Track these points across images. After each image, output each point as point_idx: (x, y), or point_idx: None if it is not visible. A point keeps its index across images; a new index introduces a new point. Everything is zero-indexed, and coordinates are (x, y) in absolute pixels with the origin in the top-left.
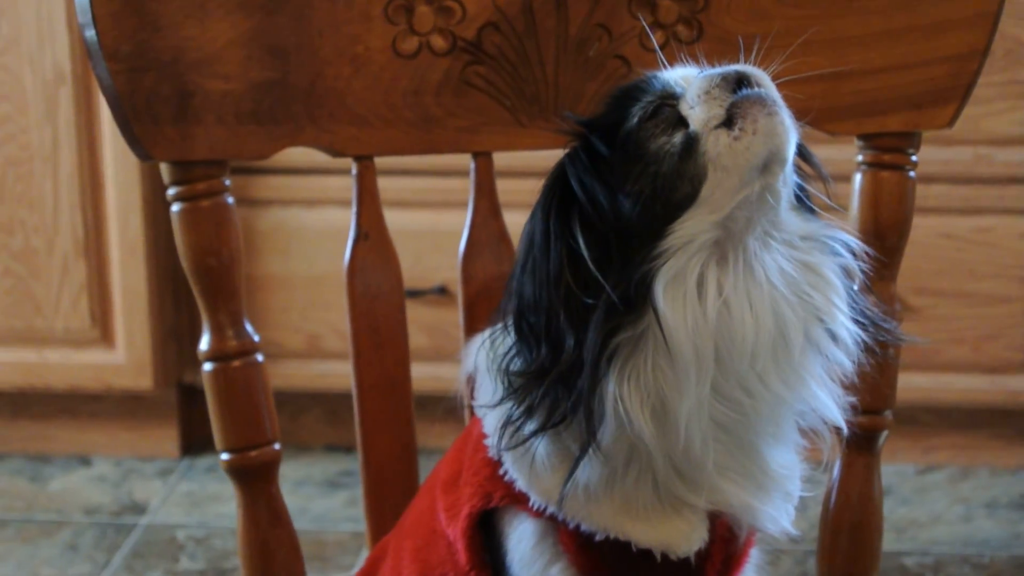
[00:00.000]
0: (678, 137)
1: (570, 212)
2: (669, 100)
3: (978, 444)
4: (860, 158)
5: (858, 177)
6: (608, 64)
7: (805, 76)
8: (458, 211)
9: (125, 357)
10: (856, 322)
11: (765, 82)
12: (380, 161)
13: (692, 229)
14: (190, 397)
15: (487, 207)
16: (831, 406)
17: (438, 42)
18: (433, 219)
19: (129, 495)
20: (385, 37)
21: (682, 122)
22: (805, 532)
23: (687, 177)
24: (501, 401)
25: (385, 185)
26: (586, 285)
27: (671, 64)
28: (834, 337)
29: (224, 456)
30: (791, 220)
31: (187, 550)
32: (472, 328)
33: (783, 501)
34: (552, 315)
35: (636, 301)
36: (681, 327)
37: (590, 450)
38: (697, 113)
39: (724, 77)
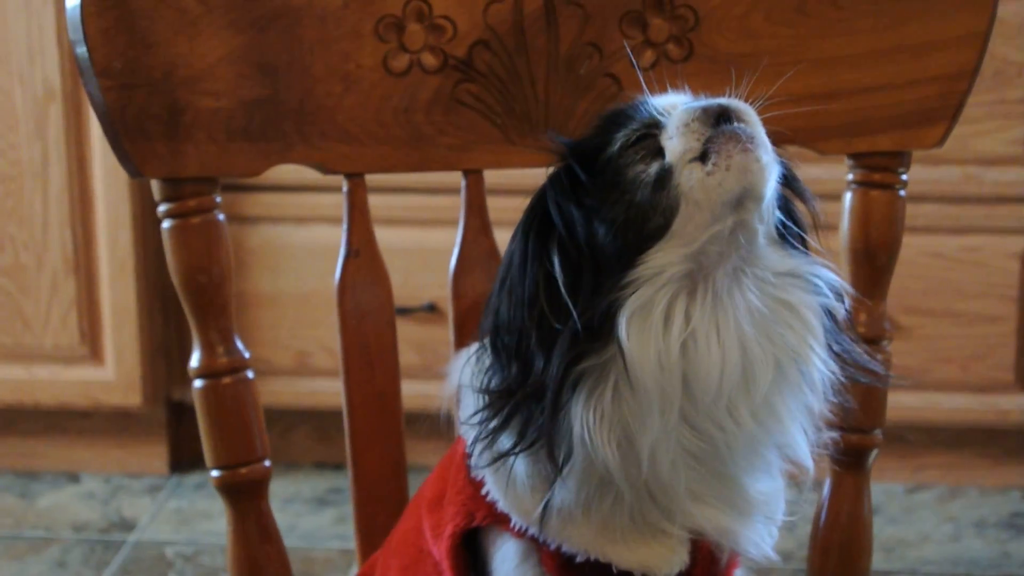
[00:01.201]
0: (654, 167)
1: (549, 235)
2: (652, 129)
3: (967, 463)
4: (850, 177)
5: (848, 196)
6: (599, 82)
7: (795, 96)
8: (448, 229)
9: (114, 374)
10: (838, 361)
11: (748, 117)
12: (370, 178)
13: (662, 260)
14: (179, 414)
15: (477, 225)
16: (802, 445)
17: (429, 60)
18: (423, 236)
19: (118, 512)
20: (376, 55)
21: (661, 152)
22: (794, 551)
23: (660, 208)
24: (473, 417)
25: (375, 202)
26: (560, 309)
27: (664, 86)
28: (808, 377)
29: (214, 473)
30: (769, 256)
31: (176, 567)
32: (462, 345)
33: (765, 525)
34: (524, 336)
35: (602, 330)
36: (644, 359)
37: (559, 477)
38: (674, 145)
39: (705, 110)
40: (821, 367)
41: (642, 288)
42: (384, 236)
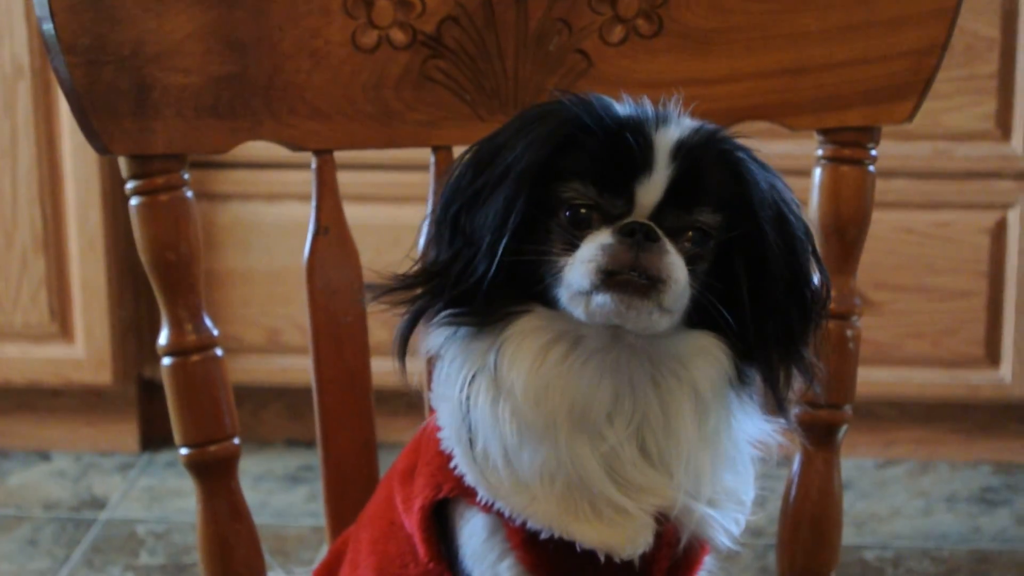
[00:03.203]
0: (562, 263)
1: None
2: (593, 209)
3: (938, 438)
4: (820, 152)
5: (818, 172)
6: (568, 58)
7: (765, 71)
8: (418, 205)
9: (84, 352)
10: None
11: (660, 269)
12: (340, 155)
13: (551, 316)
14: (150, 392)
15: None
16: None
17: (398, 36)
18: (393, 213)
19: (89, 490)
20: (344, 31)
21: (578, 245)
22: (764, 526)
23: (553, 293)
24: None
25: (345, 179)
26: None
27: (634, 62)
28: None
29: (183, 451)
30: (661, 342)
31: (147, 545)
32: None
33: (728, 512)
34: (479, 241)
35: (492, 325)
36: (514, 377)
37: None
38: (578, 266)
39: (614, 255)
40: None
41: (529, 316)
42: (353, 213)
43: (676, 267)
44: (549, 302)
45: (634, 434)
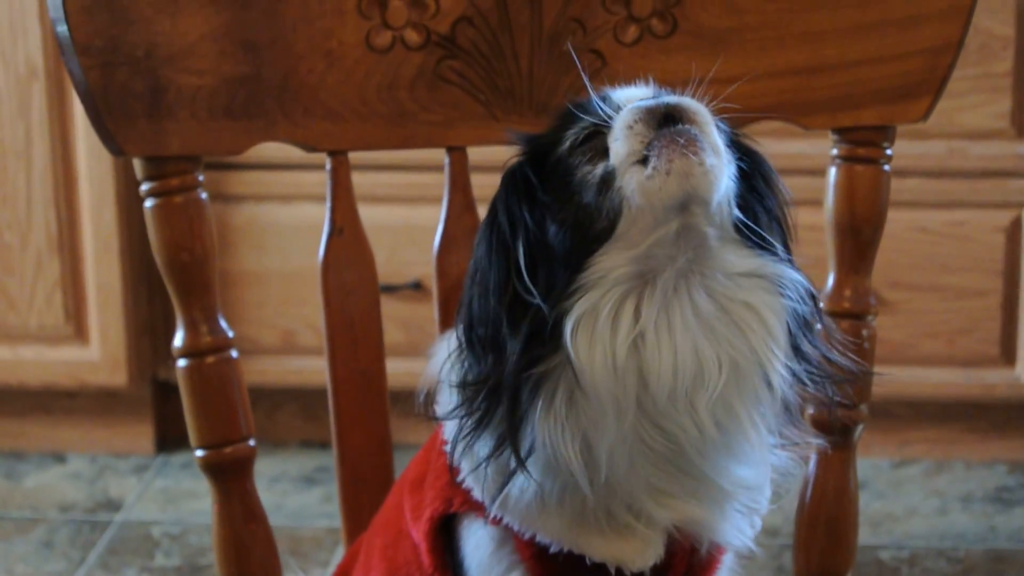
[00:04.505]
0: (600, 169)
1: (514, 228)
2: (601, 127)
3: (953, 438)
4: (835, 152)
5: (833, 171)
6: (582, 58)
7: (780, 71)
8: (433, 206)
9: (99, 353)
10: (808, 360)
11: (696, 116)
12: (354, 156)
13: (608, 264)
14: (165, 393)
15: (461, 202)
16: (754, 459)
17: (412, 36)
18: (408, 214)
19: (104, 492)
20: (358, 32)
21: (607, 153)
22: (780, 526)
23: (605, 211)
24: (451, 413)
25: (359, 180)
26: (529, 294)
27: (646, 63)
28: (767, 379)
29: (199, 452)
30: (724, 256)
31: (162, 547)
32: (447, 323)
33: (745, 516)
34: (496, 323)
35: (551, 336)
36: (592, 364)
37: (521, 470)
38: (618, 147)
39: (649, 110)
40: (780, 369)
41: (589, 293)
42: (368, 214)
43: (702, 109)
44: (601, 239)
45: (719, 401)
